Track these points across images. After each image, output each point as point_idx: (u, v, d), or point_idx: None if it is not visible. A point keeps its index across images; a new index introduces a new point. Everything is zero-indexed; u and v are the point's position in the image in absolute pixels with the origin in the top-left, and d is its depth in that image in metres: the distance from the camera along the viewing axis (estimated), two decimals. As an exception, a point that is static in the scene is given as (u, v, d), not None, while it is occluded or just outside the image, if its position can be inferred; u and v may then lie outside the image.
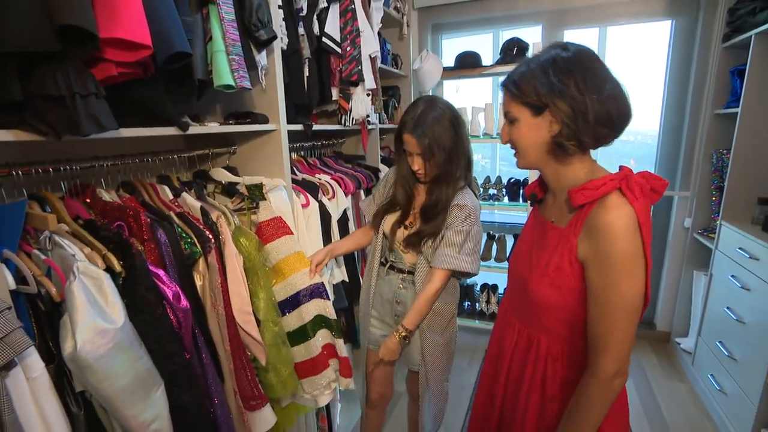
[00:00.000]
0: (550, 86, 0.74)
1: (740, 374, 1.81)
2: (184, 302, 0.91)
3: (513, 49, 2.49)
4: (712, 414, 2.04)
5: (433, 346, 1.38)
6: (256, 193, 1.30)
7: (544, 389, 0.89)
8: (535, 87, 0.76)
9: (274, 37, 1.18)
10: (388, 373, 1.57)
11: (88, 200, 0.98)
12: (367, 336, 1.51)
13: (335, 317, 1.36)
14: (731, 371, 1.88)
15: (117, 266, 0.83)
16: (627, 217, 0.72)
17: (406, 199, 1.39)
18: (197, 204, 1.12)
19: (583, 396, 0.79)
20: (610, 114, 0.74)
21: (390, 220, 1.42)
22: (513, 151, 0.89)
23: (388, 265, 1.45)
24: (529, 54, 2.49)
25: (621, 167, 0.80)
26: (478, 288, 2.95)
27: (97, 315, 0.74)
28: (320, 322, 1.35)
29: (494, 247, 2.80)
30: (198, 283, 1.04)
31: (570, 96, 0.73)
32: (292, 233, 1.31)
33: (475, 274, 1.34)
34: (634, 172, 0.78)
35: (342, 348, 1.38)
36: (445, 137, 1.25)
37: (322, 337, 1.36)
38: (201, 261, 1.04)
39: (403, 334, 1.32)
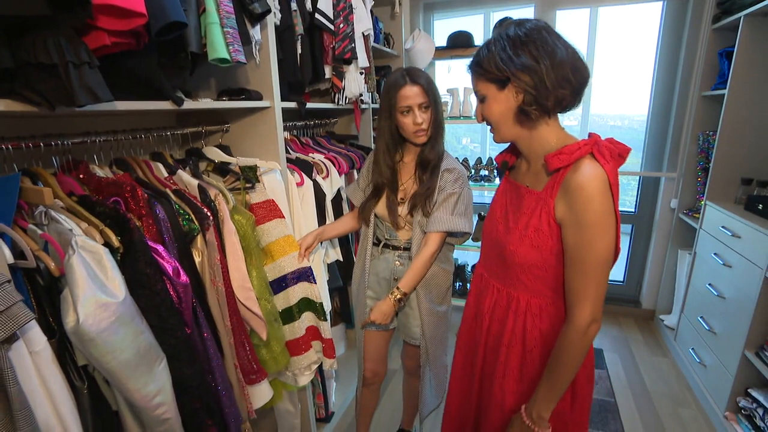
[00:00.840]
0: (509, 59, 0.80)
1: (719, 347, 1.89)
2: (184, 277, 0.91)
3: (506, 29, 2.47)
4: (692, 385, 2.13)
5: (432, 316, 1.40)
6: (250, 175, 1.29)
7: (524, 340, 0.96)
8: (495, 63, 0.82)
9: (268, 11, 1.15)
10: (382, 351, 1.60)
11: (81, 176, 0.96)
12: (363, 316, 1.53)
13: (321, 300, 1.38)
14: (711, 344, 1.96)
15: (115, 241, 0.83)
16: (600, 178, 0.78)
17: (391, 175, 1.38)
18: (194, 182, 1.10)
19: (563, 344, 0.86)
20: (566, 76, 0.80)
21: (383, 203, 1.40)
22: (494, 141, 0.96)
23: (382, 244, 1.46)
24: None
25: (590, 134, 0.86)
26: (469, 268, 2.99)
27: (97, 289, 0.73)
28: (306, 304, 1.38)
29: (485, 228, 2.83)
30: (197, 259, 1.04)
31: (527, 66, 0.79)
32: (283, 217, 1.32)
33: (470, 234, 1.37)
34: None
35: (326, 330, 1.41)
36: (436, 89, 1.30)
37: (307, 319, 1.40)
38: (199, 238, 1.03)
39: (398, 296, 1.32)
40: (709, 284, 1.99)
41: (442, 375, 1.52)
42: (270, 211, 1.29)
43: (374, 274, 1.49)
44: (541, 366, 0.94)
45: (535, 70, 0.79)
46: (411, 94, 1.26)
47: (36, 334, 0.68)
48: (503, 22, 2.41)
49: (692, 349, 2.14)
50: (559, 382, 0.88)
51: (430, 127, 1.30)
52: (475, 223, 2.89)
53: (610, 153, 0.81)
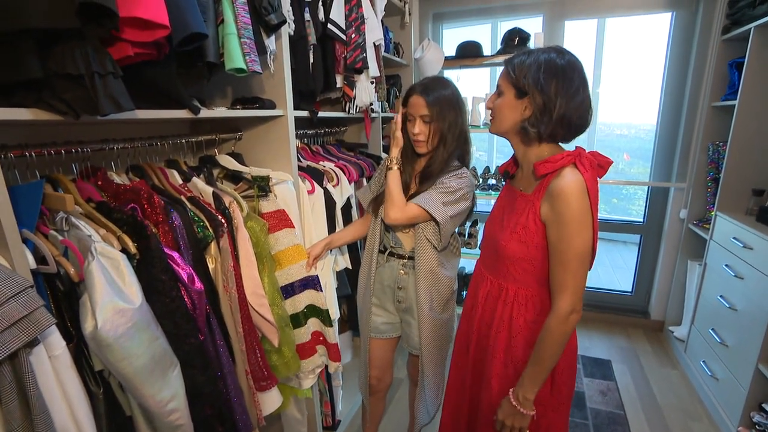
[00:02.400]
0: (537, 80, 0.91)
1: (732, 360, 1.86)
2: (198, 284, 0.91)
3: (514, 40, 2.49)
4: (703, 398, 2.10)
5: (431, 324, 1.38)
6: (263, 184, 1.30)
7: (510, 327, 1.06)
8: (525, 76, 0.93)
9: (284, 22, 1.17)
10: (387, 358, 1.59)
11: (99, 183, 0.97)
12: (369, 324, 1.52)
13: (327, 308, 1.39)
14: (723, 357, 1.94)
15: (132, 248, 0.84)
16: (579, 184, 0.89)
17: (405, 179, 1.39)
18: (209, 189, 1.12)
19: (547, 330, 0.96)
20: (570, 121, 0.92)
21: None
22: (504, 140, 1.07)
23: (387, 251, 1.46)
24: (531, 44, 2.50)
25: (576, 147, 0.98)
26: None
27: (115, 295, 0.74)
28: (312, 311, 1.40)
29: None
30: (210, 266, 1.05)
31: (546, 93, 0.91)
32: (293, 227, 1.33)
33: (440, 224, 1.29)
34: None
35: (331, 336, 1.42)
36: (449, 106, 1.29)
37: (313, 324, 1.41)
38: (213, 245, 1.04)
39: (393, 158, 1.34)
40: (721, 296, 1.97)
41: (437, 387, 1.49)
42: (280, 220, 1.31)
43: (379, 282, 1.48)
44: (525, 352, 1.04)
45: (551, 101, 0.90)
46: (415, 103, 1.30)
47: (55, 338, 0.69)
48: (513, 33, 2.44)
49: (703, 361, 2.11)
50: (542, 366, 0.97)
51: (430, 141, 1.32)
52: (481, 233, 2.90)
53: (590, 163, 0.93)
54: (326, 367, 1.73)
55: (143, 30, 0.74)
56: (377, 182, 1.50)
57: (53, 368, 0.68)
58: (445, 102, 1.29)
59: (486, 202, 3.29)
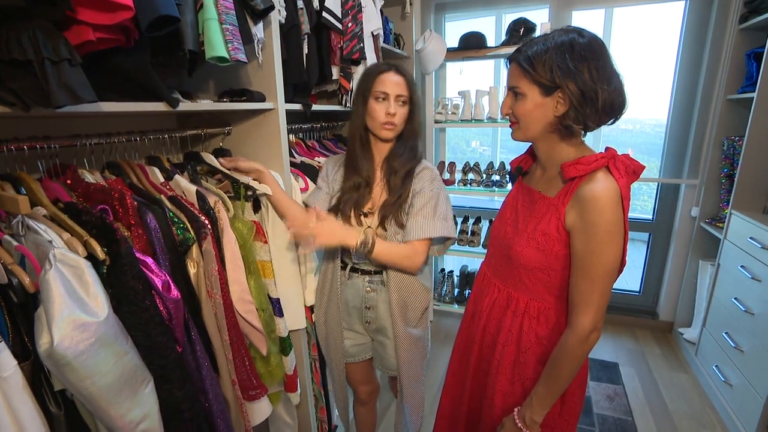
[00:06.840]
0: (567, 70, 0.78)
1: (747, 366, 1.78)
2: (175, 292, 0.84)
3: (520, 30, 2.39)
4: (716, 405, 2.02)
5: (407, 340, 1.27)
6: (241, 193, 1.21)
7: (519, 342, 0.97)
8: (551, 68, 0.80)
9: (272, 7, 1.09)
10: (369, 373, 1.49)
11: (69, 182, 0.90)
12: (340, 350, 1.37)
13: (284, 335, 1.28)
14: (737, 363, 1.85)
15: (100, 253, 0.76)
16: (613, 191, 0.80)
17: (366, 178, 1.24)
18: (192, 188, 1.04)
19: (563, 349, 0.87)
20: (614, 104, 0.81)
21: (348, 211, 1.25)
22: (509, 132, 0.96)
23: (349, 267, 1.29)
24: (537, 35, 2.39)
25: (607, 148, 0.88)
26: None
27: (76, 307, 0.67)
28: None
29: (496, 235, 2.73)
30: (192, 271, 0.97)
31: (583, 81, 0.78)
32: (266, 242, 1.23)
33: (454, 239, 1.25)
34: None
35: (287, 365, 1.33)
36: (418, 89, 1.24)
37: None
38: (194, 248, 0.96)
39: (367, 238, 1.12)
40: (735, 298, 1.88)
41: (418, 404, 1.37)
42: (256, 232, 1.20)
43: (343, 303, 1.32)
44: (535, 370, 0.95)
45: (590, 89, 0.78)
46: (391, 81, 1.17)
47: (4, 357, 0.61)
48: (518, 23, 2.34)
49: (716, 366, 2.02)
50: (555, 386, 0.89)
51: (401, 126, 1.21)
52: (485, 229, 2.81)
53: (625, 168, 0.83)
54: (321, 371, 1.68)
55: (104, 11, 0.66)
56: (329, 184, 1.33)
57: (1, 391, 0.61)
58: (415, 87, 1.23)
59: (489, 199, 3.21)
